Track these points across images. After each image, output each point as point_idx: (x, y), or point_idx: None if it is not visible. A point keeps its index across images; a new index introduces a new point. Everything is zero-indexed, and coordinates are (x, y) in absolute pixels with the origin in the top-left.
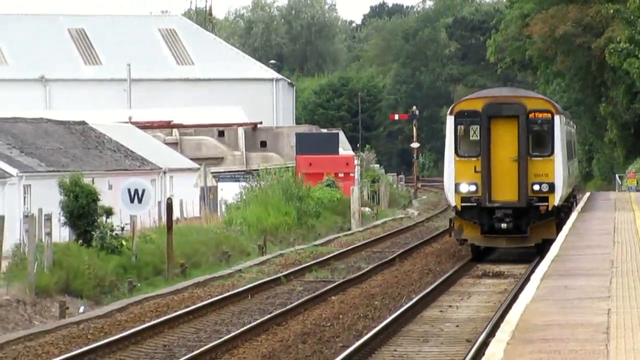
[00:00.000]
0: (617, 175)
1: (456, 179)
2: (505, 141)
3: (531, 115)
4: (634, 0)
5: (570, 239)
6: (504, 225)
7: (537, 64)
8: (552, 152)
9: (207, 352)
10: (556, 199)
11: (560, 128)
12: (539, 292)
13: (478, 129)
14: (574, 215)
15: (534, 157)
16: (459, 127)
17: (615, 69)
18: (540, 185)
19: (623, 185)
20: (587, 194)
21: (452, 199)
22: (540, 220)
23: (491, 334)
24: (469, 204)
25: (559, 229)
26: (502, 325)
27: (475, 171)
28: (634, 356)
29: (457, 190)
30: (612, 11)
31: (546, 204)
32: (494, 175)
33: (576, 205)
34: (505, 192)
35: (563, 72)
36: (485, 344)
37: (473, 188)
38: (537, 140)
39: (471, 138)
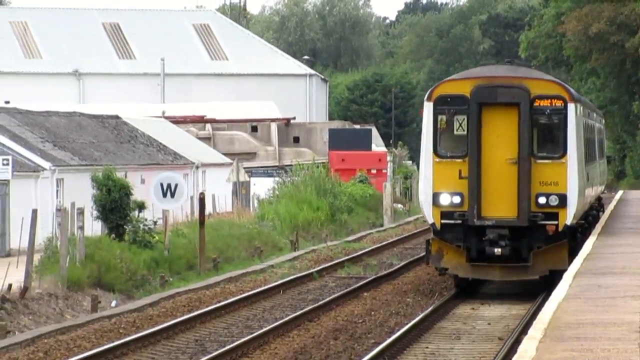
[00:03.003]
0: None
1: (435, 188)
2: (502, 137)
3: (537, 103)
4: None
5: (604, 237)
6: (497, 251)
7: (572, 62)
8: (565, 153)
9: (239, 348)
10: (569, 216)
11: (575, 120)
12: (571, 290)
13: (465, 120)
14: (607, 211)
15: (540, 160)
16: (439, 117)
17: None
18: (547, 198)
19: None
20: (620, 192)
21: (429, 214)
22: (546, 245)
23: (523, 331)
24: (451, 221)
25: (572, 255)
26: (535, 323)
27: (461, 177)
28: None
29: (435, 203)
30: None
31: (555, 222)
32: (486, 182)
33: (603, 212)
34: (501, 205)
35: (597, 71)
36: (517, 342)
37: (457, 200)
38: (545, 137)
39: (456, 132)
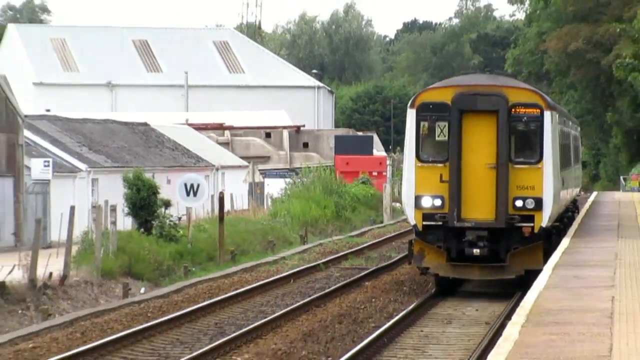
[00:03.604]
0: (621, 177)
1: (417, 191)
2: (481, 143)
3: (514, 110)
4: (638, 20)
5: (580, 234)
6: (476, 251)
7: (553, 76)
8: (541, 158)
9: (254, 330)
10: (544, 219)
11: (551, 127)
12: (551, 280)
13: (446, 126)
14: (583, 211)
15: (517, 165)
16: (421, 124)
17: (621, 82)
18: (524, 201)
19: (627, 186)
20: (595, 193)
21: (412, 216)
22: (523, 246)
23: (508, 317)
24: (432, 223)
25: (547, 256)
26: (518, 310)
27: (442, 181)
28: (635, 338)
29: (418, 205)
30: (619, 30)
31: (531, 224)
32: (466, 186)
33: (578, 212)
34: (480, 208)
35: (575, 84)
36: (502, 326)
37: (438, 202)
38: (522, 143)
39: (437, 138)
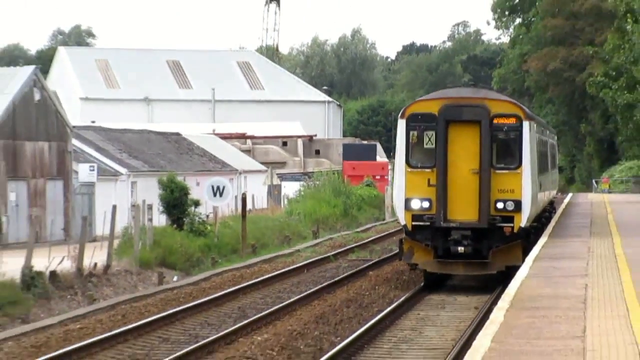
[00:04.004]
0: (594, 180)
1: (407, 194)
2: (465, 150)
3: (496, 121)
4: (608, 44)
5: (557, 230)
6: (461, 249)
7: (533, 92)
8: (520, 164)
9: (272, 314)
10: (523, 220)
11: (529, 136)
12: (532, 270)
13: (433, 135)
14: (559, 210)
15: (499, 170)
16: (411, 132)
17: (593, 97)
18: (504, 203)
19: (598, 188)
20: (570, 194)
21: (402, 217)
22: (503, 244)
23: (494, 303)
24: (421, 223)
25: (526, 253)
26: (503, 296)
27: (429, 185)
28: (606, 321)
29: (407, 207)
30: (591, 52)
31: (511, 224)
32: (451, 190)
33: (555, 212)
34: (464, 210)
35: (553, 99)
36: (489, 311)
37: (426, 205)
38: (503, 150)
39: (425, 146)
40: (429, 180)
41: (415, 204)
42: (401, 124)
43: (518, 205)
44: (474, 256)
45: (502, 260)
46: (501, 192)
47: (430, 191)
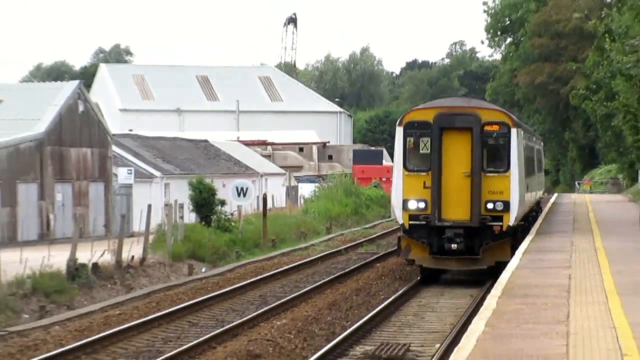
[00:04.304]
0: (576, 182)
1: (404, 195)
2: (458, 155)
3: (486, 128)
4: (589, 60)
5: (544, 226)
6: (454, 246)
7: (522, 103)
8: (508, 168)
9: (290, 301)
10: (511, 219)
11: (517, 142)
12: (521, 262)
13: (429, 141)
14: (546, 208)
15: (489, 173)
16: (408, 139)
17: (576, 108)
18: (494, 204)
19: (580, 189)
20: (555, 194)
21: (400, 217)
22: (493, 241)
23: (487, 291)
24: (417, 222)
25: (514, 250)
26: (495, 285)
27: (425, 187)
28: (587, 307)
29: (405, 207)
30: (574, 68)
31: (500, 223)
32: (445, 191)
33: (541, 212)
34: (457, 210)
35: (540, 110)
36: (483, 298)
37: (422, 205)
38: (492, 155)
39: (421, 151)
40: (424, 182)
41: (412, 205)
42: (399, 131)
43: (507, 205)
44: (466, 253)
45: (492, 256)
46: (491, 193)
47: (426, 193)
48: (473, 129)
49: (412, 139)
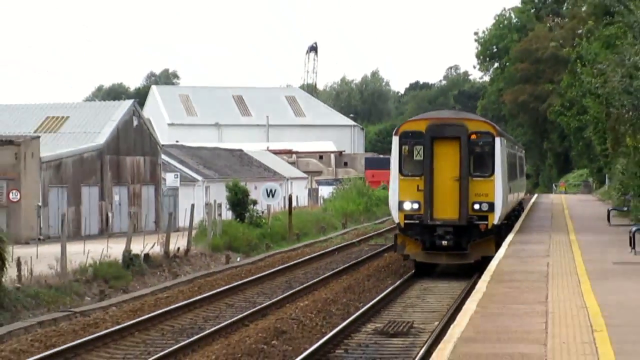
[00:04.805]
0: (553, 184)
1: (400, 197)
2: (448, 161)
3: (473, 137)
4: (564, 82)
5: (526, 222)
6: (444, 242)
7: (508, 118)
8: (493, 173)
9: (311, 285)
10: (496, 218)
11: (500, 149)
12: (507, 252)
13: (422, 149)
14: (527, 207)
15: (475, 178)
16: (403, 147)
17: (553, 122)
18: (480, 205)
19: (557, 190)
20: (535, 195)
21: (396, 216)
22: (480, 238)
23: (479, 277)
24: (411, 222)
25: (498, 246)
26: (485, 272)
27: (418, 190)
28: (563, 290)
29: (400, 208)
30: (551, 88)
31: (486, 222)
32: (436, 194)
33: (523, 211)
34: (447, 210)
35: (522, 124)
36: (475, 283)
37: (416, 206)
38: (478, 161)
39: (415, 158)
40: (418, 186)
41: (407, 206)
42: (395, 140)
43: (491, 206)
44: (455, 248)
45: (478, 251)
46: (477, 195)
47: (419, 195)
48: (461, 138)
49: (407, 147)
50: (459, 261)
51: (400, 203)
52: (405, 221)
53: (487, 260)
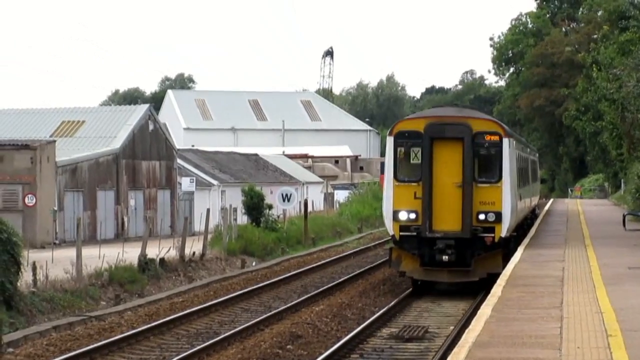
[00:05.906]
0: (569, 189)
1: (395, 206)
2: (449, 165)
3: (477, 138)
4: (579, 87)
5: (541, 225)
6: (445, 258)
7: (523, 123)
8: (500, 178)
9: (327, 290)
10: (503, 230)
11: (509, 152)
12: (522, 256)
13: (419, 151)
14: (542, 211)
15: (480, 183)
16: (398, 149)
17: (568, 127)
18: (486, 215)
19: (572, 194)
20: (551, 200)
21: (391, 228)
22: (485, 252)
23: (494, 282)
24: (408, 234)
25: (506, 261)
26: (500, 276)
27: (416, 197)
28: (578, 295)
29: (395, 218)
30: (566, 92)
31: (492, 235)
32: (436, 202)
33: (536, 218)
34: (448, 221)
35: (538, 128)
36: (490, 287)
37: (413, 216)
38: (484, 165)
39: (412, 161)
40: (415, 193)
41: (403, 216)
42: (389, 141)
43: (499, 216)
44: (457, 264)
45: (483, 267)
46: (483, 204)
47: (417, 203)
48: (464, 139)
49: (402, 149)
50: (462, 279)
51: (395, 212)
52: (401, 233)
53: (493, 277)
